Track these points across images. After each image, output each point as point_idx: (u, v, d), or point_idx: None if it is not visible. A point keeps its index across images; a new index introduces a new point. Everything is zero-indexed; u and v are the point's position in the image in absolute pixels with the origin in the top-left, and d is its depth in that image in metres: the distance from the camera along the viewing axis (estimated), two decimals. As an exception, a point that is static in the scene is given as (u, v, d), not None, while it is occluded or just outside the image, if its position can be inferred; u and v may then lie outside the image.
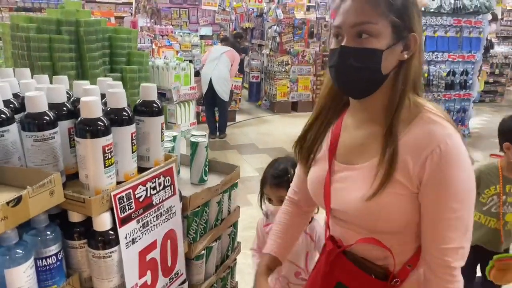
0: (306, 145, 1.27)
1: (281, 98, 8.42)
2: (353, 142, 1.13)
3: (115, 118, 1.12)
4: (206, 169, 1.63)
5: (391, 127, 0.99)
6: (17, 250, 1.00)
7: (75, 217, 1.12)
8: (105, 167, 1.07)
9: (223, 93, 6.27)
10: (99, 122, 1.05)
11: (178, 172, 1.68)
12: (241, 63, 8.09)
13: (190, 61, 5.55)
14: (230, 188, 1.72)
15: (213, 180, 1.64)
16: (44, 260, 1.07)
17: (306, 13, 8.47)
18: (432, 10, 5.24)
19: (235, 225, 1.83)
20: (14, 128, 1.10)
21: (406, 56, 1.02)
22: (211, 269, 1.62)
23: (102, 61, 3.21)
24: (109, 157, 1.07)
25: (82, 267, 1.16)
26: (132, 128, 1.15)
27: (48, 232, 1.09)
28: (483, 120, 8.71)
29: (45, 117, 1.06)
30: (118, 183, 1.15)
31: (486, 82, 10.35)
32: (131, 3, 7.51)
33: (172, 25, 7.59)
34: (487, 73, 10.09)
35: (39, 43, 2.64)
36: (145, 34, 6.51)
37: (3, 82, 1.24)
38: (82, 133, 1.04)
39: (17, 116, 1.13)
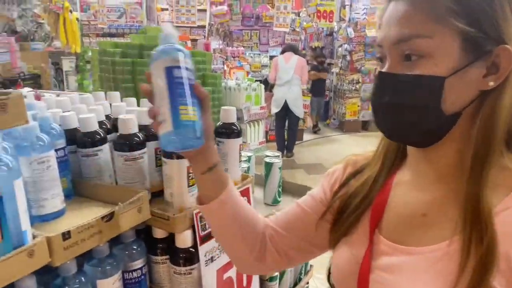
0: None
1: (351, 117, 8.28)
2: (411, 209, 0.72)
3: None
4: (280, 190, 1.64)
5: (477, 195, 0.60)
6: (108, 262, 1.07)
7: (158, 233, 1.19)
8: (189, 186, 1.12)
9: (299, 112, 6.34)
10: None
11: (253, 191, 1.72)
12: (323, 84, 8.20)
13: (260, 81, 5.68)
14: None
15: (287, 202, 1.63)
16: (130, 273, 1.14)
17: (378, 31, 8.34)
18: None
19: (308, 248, 1.81)
20: (106, 148, 1.18)
21: (492, 83, 0.61)
22: (289, 285, 1.63)
23: (179, 83, 3.35)
24: (193, 177, 1.12)
25: (163, 282, 1.22)
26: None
27: (135, 247, 1.16)
28: None
29: (136, 138, 1.14)
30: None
31: None
32: (204, 26, 7.82)
33: (243, 47, 7.80)
34: None
35: (123, 67, 2.80)
36: (218, 55, 6.74)
37: (98, 105, 1.35)
38: (169, 154, 1.10)
39: (108, 137, 1.22)
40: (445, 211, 0.66)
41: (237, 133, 1.30)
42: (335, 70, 8.60)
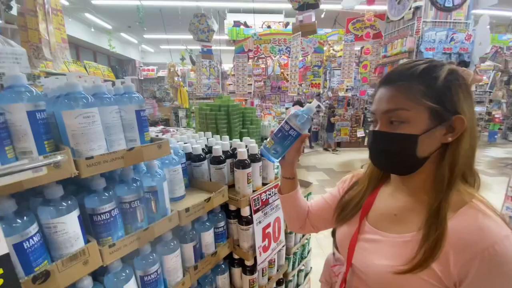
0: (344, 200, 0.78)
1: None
2: (388, 210, 0.67)
3: (253, 158, 1.20)
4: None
5: (439, 210, 0.56)
6: (207, 223, 1.10)
7: (232, 207, 1.21)
8: (247, 183, 1.15)
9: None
10: (245, 161, 1.13)
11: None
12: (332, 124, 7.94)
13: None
14: (308, 194, 1.70)
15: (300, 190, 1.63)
16: (218, 229, 1.16)
17: (345, 93, 8.19)
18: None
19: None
20: (205, 163, 1.22)
21: (450, 139, 0.57)
22: (297, 239, 1.60)
23: (239, 123, 3.40)
24: (249, 178, 1.15)
25: (234, 234, 1.23)
26: (260, 163, 1.22)
27: (220, 215, 1.18)
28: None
29: (220, 157, 1.18)
30: (254, 191, 1.21)
31: (466, 130, 8.81)
32: (250, 93, 7.94)
33: (272, 103, 7.85)
34: None
35: (210, 116, 2.86)
36: (258, 108, 6.81)
37: (201, 139, 1.39)
38: (237, 166, 1.13)
39: (206, 156, 1.25)
40: (411, 215, 0.62)
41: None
42: (321, 114, 8.44)
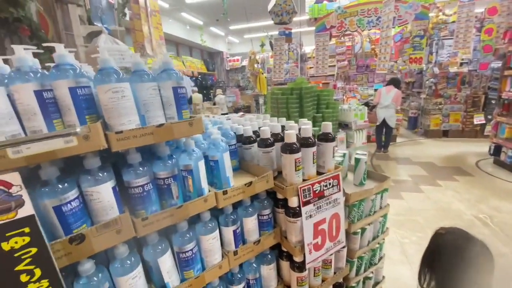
0: None
1: (434, 127, 6.64)
2: None
3: (304, 143, 1.04)
4: (365, 176, 1.36)
5: None
6: (249, 208, 1.04)
7: (279, 196, 1.10)
8: (295, 170, 1.01)
9: (393, 123, 5.44)
10: (293, 145, 0.99)
11: (346, 175, 1.48)
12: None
13: (364, 104, 5.06)
14: (382, 191, 1.39)
15: (370, 185, 1.36)
16: (262, 216, 1.08)
17: (459, 68, 6.48)
18: None
19: (385, 216, 1.47)
20: (255, 146, 1.14)
21: None
22: (364, 242, 1.36)
23: (312, 108, 3.19)
24: (298, 165, 1.00)
25: (281, 224, 1.13)
26: (313, 149, 1.05)
27: (266, 202, 1.10)
28: None
29: (268, 140, 1.08)
30: (304, 180, 1.07)
31: None
32: (333, 75, 7.36)
33: (357, 84, 7.04)
34: None
35: (282, 100, 2.80)
36: (340, 91, 6.24)
37: (265, 122, 1.32)
38: (284, 150, 1.00)
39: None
40: None
41: (332, 139, 1.11)
42: (423, 96, 7.00)
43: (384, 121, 5.38)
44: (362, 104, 4.65)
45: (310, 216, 1.05)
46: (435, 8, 6.18)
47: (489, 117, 5.48)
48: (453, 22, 5.93)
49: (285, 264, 1.15)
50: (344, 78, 7.48)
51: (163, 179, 0.79)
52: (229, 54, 13.15)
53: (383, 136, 5.67)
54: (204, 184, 0.88)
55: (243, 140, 1.19)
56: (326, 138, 1.11)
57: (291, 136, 0.99)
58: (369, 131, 5.95)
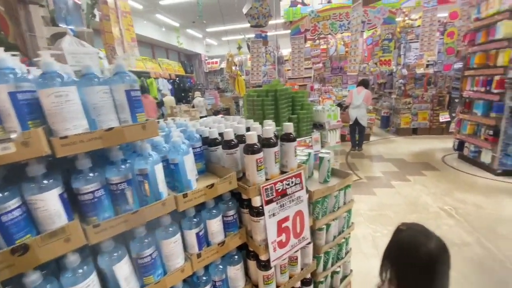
0: None
1: (404, 125, 6.99)
2: None
3: (266, 143, 1.06)
4: (329, 174, 1.40)
5: None
6: (214, 211, 1.04)
7: (244, 196, 1.11)
8: (257, 170, 1.02)
9: (364, 123, 5.65)
10: (255, 146, 1.01)
11: (312, 174, 1.52)
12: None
13: (337, 105, 5.25)
14: (345, 188, 1.44)
15: (334, 182, 1.40)
16: (227, 217, 1.08)
17: (425, 69, 6.89)
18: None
19: (349, 211, 1.52)
20: (220, 148, 1.15)
21: None
22: (330, 238, 1.40)
23: (287, 109, 3.23)
24: (260, 165, 1.02)
25: (247, 224, 1.14)
26: (275, 149, 1.07)
27: (231, 203, 1.10)
28: None
29: (232, 142, 1.09)
30: (267, 180, 1.09)
31: None
32: (310, 77, 7.53)
33: (332, 86, 7.25)
34: None
35: (257, 102, 2.80)
36: (316, 92, 6.39)
37: (232, 124, 1.32)
38: (245, 151, 1.02)
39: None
40: None
41: (293, 139, 1.14)
42: (393, 96, 7.34)
43: (356, 121, 5.60)
44: (336, 105, 4.84)
45: (273, 214, 1.07)
46: (401, 13, 6.52)
47: (453, 114, 5.87)
48: (419, 26, 6.29)
49: (252, 264, 1.16)
50: (320, 80, 7.68)
51: (116, 184, 0.78)
52: (208, 56, 13.07)
53: (356, 135, 5.89)
54: (162, 188, 0.87)
55: (208, 142, 1.19)
56: (288, 138, 1.14)
57: (252, 137, 1.00)
58: (344, 130, 6.15)
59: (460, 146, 4.95)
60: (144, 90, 5.88)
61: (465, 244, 2.57)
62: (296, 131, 3.38)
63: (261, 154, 1.02)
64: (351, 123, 5.71)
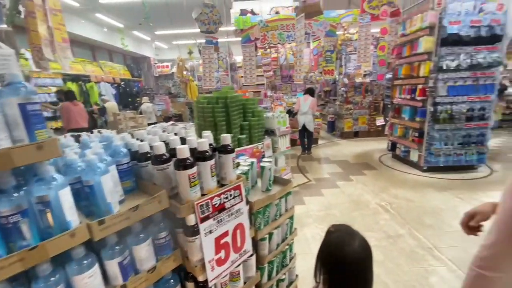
0: None
1: (347, 129, 7.62)
2: None
3: (201, 156, 1.01)
4: (271, 182, 1.41)
5: None
6: (141, 235, 0.94)
7: (178, 215, 1.03)
8: (191, 187, 0.96)
9: (311, 128, 5.96)
10: (186, 160, 0.94)
11: (256, 183, 1.51)
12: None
13: (287, 112, 5.47)
14: (286, 195, 1.46)
15: (276, 189, 1.41)
16: (159, 240, 0.98)
17: (363, 78, 7.63)
18: (452, 68, 4.14)
19: (291, 218, 1.53)
20: (149, 163, 1.05)
21: None
22: (273, 246, 1.39)
23: (238, 116, 3.20)
24: (193, 180, 0.96)
25: (182, 245, 1.06)
26: (211, 162, 1.02)
27: (162, 224, 1.00)
28: (501, 141, 6.59)
29: (163, 156, 1.00)
30: (204, 195, 1.03)
31: (504, 113, 7.84)
32: (263, 84, 7.69)
33: (282, 93, 7.53)
34: (504, 107, 7.66)
35: (207, 110, 2.71)
36: (268, 99, 6.55)
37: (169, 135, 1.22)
38: (176, 167, 0.95)
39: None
40: None
41: (231, 151, 1.11)
42: (337, 103, 7.95)
43: (304, 126, 5.91)
44: (286, 112, 5.05)
45: (210, 231, 1.02)
46: (341, 27, 7.13)
47: (387, 119, 6.60)
48: (356, 40, 6.96)
49: (190, 286, 1.08)
50: (272, 87, 7.92)
51: (6, 217, 0.64)
52: (157, 60, 12.44)
53: (305, 139, 6.20)
54: (71, 215, 0.75)
55: (138, 157, 1.09)
56: (225, 150, 1.10)
57: (183, 152, 0.94)
58: (295, 135, 6.42)
59: (393, 146, 5.56)
60: (71, 96, 5.26)
61: (398, 236, 2.85)
62: (248, 137, 3.38)
63: (194, 169, 0.96)
64: (300, 128, 5.99)
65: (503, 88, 7.15)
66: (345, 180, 4.55)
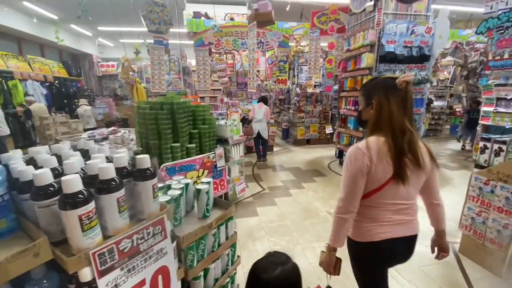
0: None
1: (300, 137, 7.83)
2: None
3: (103, 187, 0.76)
4: (208, 207, 1.21)
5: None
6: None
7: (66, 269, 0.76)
8: (83, 231, 0.70)
9: (266, 136, 5.93)
10: (77, 196, 0.69)
11: (193, 208, 1.29)
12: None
13: (242, 119, 5.35)
14: (227, 220, 1.27)
15: (216, 214, 1.21)
16: (36, 306, 0.71)
17: (313, 89, 7.95)
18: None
19: (233, 246, 1.35)
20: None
21: (371, 111, 1.09)
22: (210, 283, 1.19)
23: (187, 124, 2.94)
24: (87, 222, 0.71)
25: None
26: (118, 194, 0.78)
27: (46, 282, 0.73)
28: (428, 148, 7.44)
29: (50, 189, 0.73)
30: (108, 237, 0.78)
31: (430, 124, 8.98)
32: (220, 90, 7.46)
33: (238, 100, 7.39)
34: (430, 118, 8.78)
35: (150, 116, 2.43)
36: (224, 106, 6.34)
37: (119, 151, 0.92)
38: (61, 206, 0.69)
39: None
40: None
41: (150, 176, 0.88)
42: (291, 111, 8.13)
43: (259, 134, 5.86)
44: (241, 120, 4.91)
45: (116, 286, 0.77)
46: (293, 39, 7.35)
47: (335, 128, 6.95)
48: (307, 52, 7.23)
49: None
50: (227, 94, 7.74)
51: None
52: (101, 58, 11.22)
53: (261, 147, 6.15)
54: None
55: (18, 186, 0.79)
56: (143, 175, 0.87)
57: (70, 184, 0.68)
58: (251, 142, 6.33)
59: (340, 154, 5.84)
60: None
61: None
62: (199, 146, 3.12)
63: (90, 206, 0.70)
64: (254, 136, 5.92)
65: (429, 101, 8.19)
66: (297, 187, 4.57)
